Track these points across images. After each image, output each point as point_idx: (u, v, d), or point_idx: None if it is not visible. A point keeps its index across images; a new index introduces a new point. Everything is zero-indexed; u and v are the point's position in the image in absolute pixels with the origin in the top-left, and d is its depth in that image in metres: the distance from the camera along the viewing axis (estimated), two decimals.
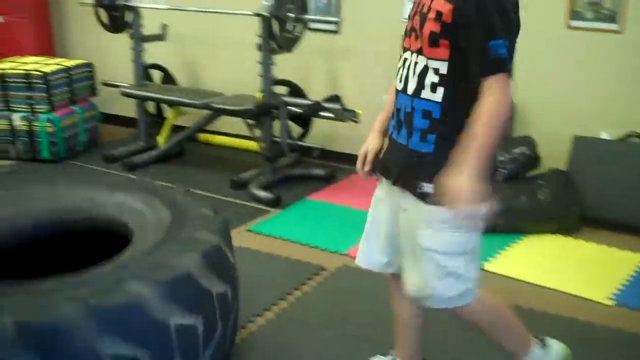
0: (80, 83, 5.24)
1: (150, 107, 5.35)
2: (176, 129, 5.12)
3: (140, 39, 5.04)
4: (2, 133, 4.95)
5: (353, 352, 2.67)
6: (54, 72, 4.98)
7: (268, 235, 3.84)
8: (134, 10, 4.99)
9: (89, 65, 5.35)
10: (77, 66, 5.24)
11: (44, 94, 4.91)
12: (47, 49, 5.78)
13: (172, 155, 5.05)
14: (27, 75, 4.90)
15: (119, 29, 5.10)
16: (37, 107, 4.92)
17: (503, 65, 1.82)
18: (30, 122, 4.91)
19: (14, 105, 4.95)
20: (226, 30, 5.19)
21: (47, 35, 5.85)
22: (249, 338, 2.78)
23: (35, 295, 1.89)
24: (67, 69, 5.11)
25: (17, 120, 4.93)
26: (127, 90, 4.96)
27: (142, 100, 5.03)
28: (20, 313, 1.80)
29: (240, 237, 3.75)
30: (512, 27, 1.87)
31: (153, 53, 5.20)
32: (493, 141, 1.84)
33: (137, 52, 5.06)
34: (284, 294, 3.15)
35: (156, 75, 5.40)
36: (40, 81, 4.89)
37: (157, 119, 5.33)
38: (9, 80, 4.92)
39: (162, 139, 5.03)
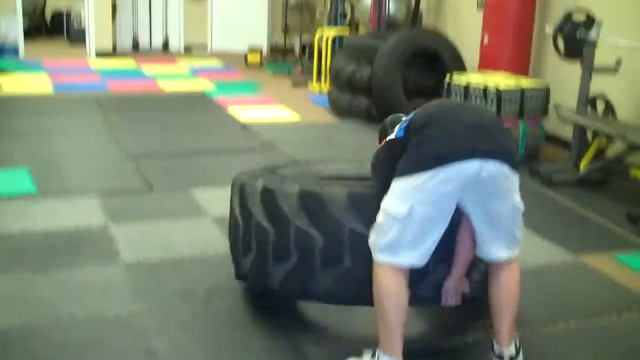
0: (532, 103, 5.86)
1: (589, 134, 5.67)
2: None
3: (589, 70, 5.42)
4: None
5: None
6: (508, 91, 5.72)
7: (626, 266, 3.97)
8: (591, 43, 5.38)
9: (544, 88, 5.93)
10: (532, 87, 5.87)
11: (494, 106, 5.69)
12: (522, 69, 6.50)
13: (592, 180, 5.33)
14: (485, 89, 5.74)
15: (574, 58, 5.56)
16: None
17: None
18: None
19: None
20: None
21: (524, 57, 6.58)
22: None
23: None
24: (521, 88, 5.79)
25: None
26: (563, 114, 5.40)
27: (578, 125, 5.41)
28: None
29: (600, 261, 3.99)
30: None
31: (600, 84, 5.52)
32: None
33: (585, 82, 5.45)
34: (586, 314, 3.37)
35: (601, 105, 5.69)
36: (494, 95, 5.68)
37: (589, 146, 5.63)
38: (471, 90, 5.83)
39: (583, 164, 5.35)
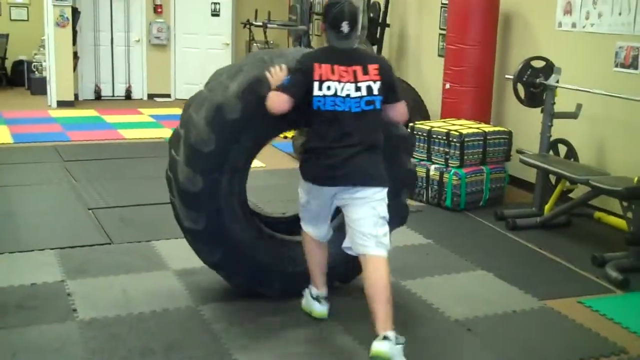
0: (495, 147, 5.89)
1: (553, 178, 5.70)
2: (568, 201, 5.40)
3: (551, 115, 5.48)
4: (420, 179, 5.90)
5: None
6: (470, 134, 5.74)
7: (594, 311, 3.94)
8: (550, 88, 5.45)
9: (507, 132, 5.98)
10: (495, 132, 5.91)
11: (457, 152, 5.70)
12: (484, 116, 6.56)
13: (556, 224, 5.34)
14: (447, 134, 5.76)
15: (535, 104, 5.63)
16: (451, 161, 5.74)
17: None
18: (442, 173, 5.76)
19: (434, 158, 5.86)
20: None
21: (486, 103, 6.64)
22: None
23: None
24: (484, 133, 5.82)
25: (432, 170, 5.82)
26: (525, 159, 5.44)
27: (540, 169, 5.44)
28: None
29: (567, 306, 3.96)
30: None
31: (561, 128, 5.58)
32: None
33: (546, 127, 5.51)
34: None
35: (562, 149, 5.74)
36: (457, 140, 5.70)
37: (553, 189, 5.66)
38: (434, 136, 5.85)
39: (547, 208, 5.37)
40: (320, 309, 3.69)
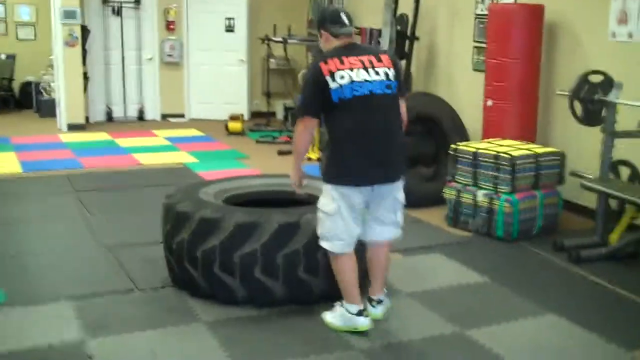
0: (547, 170, 5.39)
1: (613, 203, 5.20)
2: (636, 229, 4.90)
3: (612, 134, 4.98)
4: (466, 206, 5.41)
5: None
6: (521, 157, 5.25)
7: None
8: (610, 105, 4.95)
9: (559, 154, 5.48)
10: (547, 154, 5.41)
11: (508, 176, 5.20)
12: (529, 135, 6.05)
13: (624, 254, 4.83)
14: (496, 157, 5.26)
15: (593, 123, 5.13)
16: (501, 187, 5.24)
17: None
18: (491, 200, 5.25)
19: (481, 183, 5.36)
20: None
21: (531, 121, 6.14)
22: None
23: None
24: (536, 156, 5.33)
25: (480, 196, 5.32)
26: (587, 183, 4.94)
27: (604, 195, 4.94)
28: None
29: None
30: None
31: (622, 149, 5.08)
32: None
33: (607, 147, 5.00)
34: None
35: (625, 172, 5.24)
36: (507, 164, 5.20)
37: (618, 217, 5.15)
38: (481, 159, 5.35)
39: (614, 237, 4.86)
40: (365, 323, 3.61)
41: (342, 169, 3.48)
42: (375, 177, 3.49)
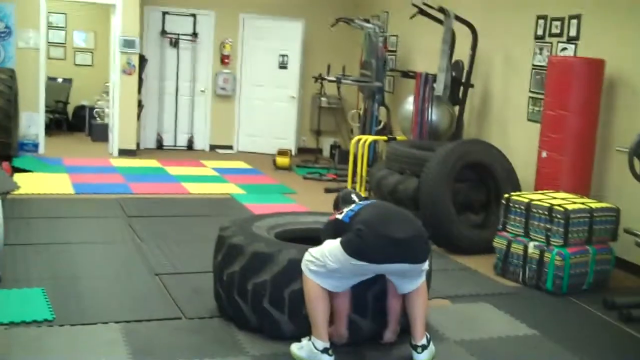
0: (601, 225, 5.31)
1: None
2: None
3: None
4: (516, 256, 5.35)
5: None
6: (576, 211, 5.18)
7: None
8: None
9: (614, 209, 5.40)
10: (602, 209, 5.34)
11: (561, 229, 5.14)
12: (583, 188, 5.98)
13: None
14: (550, 209, 5.20)
15: None
16: (553, 239, 5.17)
17: None
18: (542, 252, 5.19)
19: (533, 234, 5.30)
20: None
21: (586, 175, 6.07)
22: None
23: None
24: (590, 210, 5.26)
25: (531, 248, 5.26)
26: None
27: None
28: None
29: None
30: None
31: None
32: None
33: None
34: None
35: None
36: (561, 217, 5.14)
37: None
38: (534, 210, 5.30)
39: None
40: None
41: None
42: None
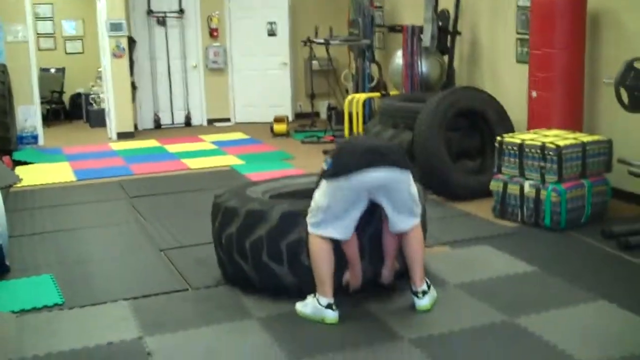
0: (594, 158, 5.36)
1: None
2: None
3: None
4: (513, 197, 5.41)
5: None
6: (568, 146, 5.22)
7: None
8: None
9: (606, 141, 5.43)
10: (594, 142, 5.38)
11: (555, 165, 5.19)
12: (575, 124, 6.00)
13: None
14: (542, 147, 5.25)
15: (638, 109, 5.08)
16: (547, 177, 5.22)
17: None
18: (538, 190, 5.24)
19: (528, 174, 5.35)
20: None
21: (577, 111, 6.09)
22: None
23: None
24: (582, 144, 5.29)
25: (527, 187, 5.31)
26: (635, 170, 4.90)
27: None
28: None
29: None
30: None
31: None
32: None
33: None
34: None
35: None
36: (554, 153, 5.18)
37: None
38: (527, 150, 5.34)
39: None
40: (333, 316, 3.74)
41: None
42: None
